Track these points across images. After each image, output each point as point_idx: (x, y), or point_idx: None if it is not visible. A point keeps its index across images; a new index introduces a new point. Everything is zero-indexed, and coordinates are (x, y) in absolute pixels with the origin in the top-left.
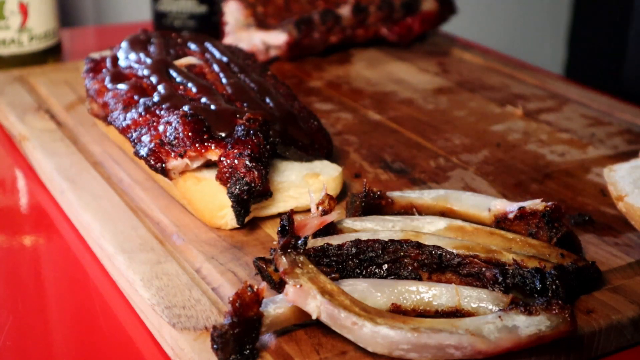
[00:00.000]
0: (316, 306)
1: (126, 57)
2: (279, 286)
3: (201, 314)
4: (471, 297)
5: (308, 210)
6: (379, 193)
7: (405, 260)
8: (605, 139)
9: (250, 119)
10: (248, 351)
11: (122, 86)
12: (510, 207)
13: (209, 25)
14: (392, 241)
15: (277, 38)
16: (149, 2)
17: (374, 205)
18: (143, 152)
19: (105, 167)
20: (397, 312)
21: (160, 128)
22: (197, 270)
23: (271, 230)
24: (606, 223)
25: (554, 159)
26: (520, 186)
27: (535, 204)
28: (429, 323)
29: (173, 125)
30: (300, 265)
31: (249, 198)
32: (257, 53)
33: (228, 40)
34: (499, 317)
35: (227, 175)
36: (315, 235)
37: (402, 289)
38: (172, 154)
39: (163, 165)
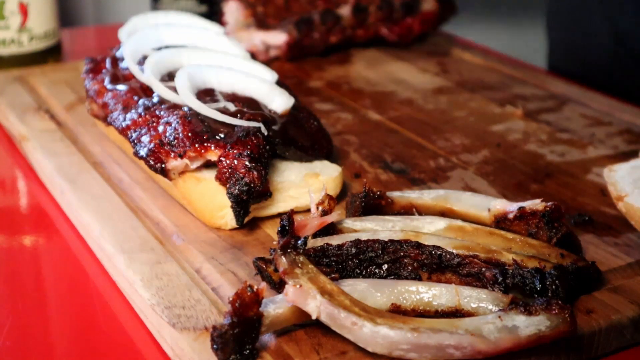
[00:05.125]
0: (316, 306)
1: None
2: (278, 286)
3: (201, 314)
4: (471, 297)
5: (308, 210)
6: (378, 193)
7: (405, 260)
8: (605, 139)
9: (250, 119)
10: (248, 351)
11: (121, 87)
12: (510, 207)
13: None
14: (392, 241)
15: (277, 38)
16: (148, 2)
17: (374, 205)
18: (143, 152)
19: (105, 167)
20: (397, 312)
21: (160, 128)
22: (197, 270)
23: (271, 230)
24: (606, 223)
25: (554, 159)
26: (520, 186)
27: (535, 204)
28: (428, 323)
29: (173, 125)
30: (300, 265)
31: (249, 198)
32: (257, 53)
33: None
34: (499, 317)
35: (227, 175)
36: (315, 235)
37: (402, 289)
38: (172, 154)
39: (163, 165)
